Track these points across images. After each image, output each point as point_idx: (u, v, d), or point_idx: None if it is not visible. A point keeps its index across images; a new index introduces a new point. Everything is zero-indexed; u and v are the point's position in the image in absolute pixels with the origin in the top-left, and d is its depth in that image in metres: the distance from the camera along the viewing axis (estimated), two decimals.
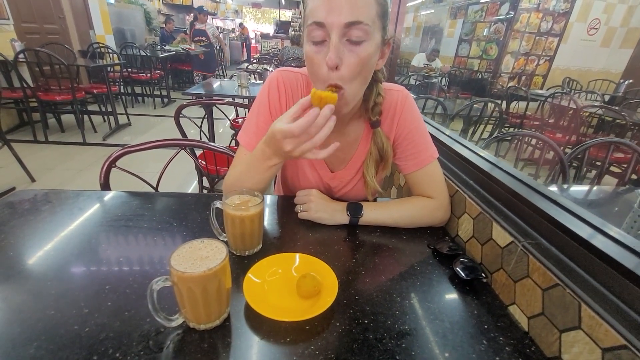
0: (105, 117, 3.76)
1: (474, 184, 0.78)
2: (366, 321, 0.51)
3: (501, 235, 0.61)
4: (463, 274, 0.61)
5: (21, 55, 2.83)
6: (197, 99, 1.72)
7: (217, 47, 6.37)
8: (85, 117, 3.59)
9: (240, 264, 0.61)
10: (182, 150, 1.02)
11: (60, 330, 0.45)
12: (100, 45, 4.26)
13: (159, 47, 5.73)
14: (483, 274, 0.61)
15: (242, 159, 0.75)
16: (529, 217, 0.60)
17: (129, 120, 3.94)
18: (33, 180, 2.34)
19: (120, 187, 0.85)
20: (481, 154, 0.86)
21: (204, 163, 1.74)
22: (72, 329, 0.45)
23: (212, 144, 1.02)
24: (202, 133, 1.74)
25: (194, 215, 0.76)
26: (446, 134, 1.06)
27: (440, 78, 5.20)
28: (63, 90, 3.06)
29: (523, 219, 0.61)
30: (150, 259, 0.60)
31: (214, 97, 2.31)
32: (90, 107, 3.75)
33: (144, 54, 4.72)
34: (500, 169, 0.77)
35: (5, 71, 3.11)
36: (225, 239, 0.64)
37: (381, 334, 0.49)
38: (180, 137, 1.66)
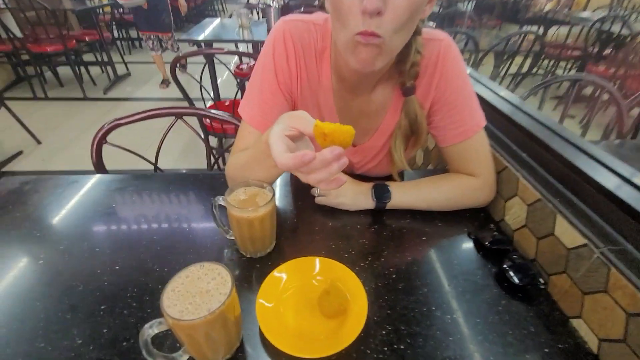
0: (103, 67, 3.54)
1: (530, 160, 0.64)
2: (402, 346, 0.43)
3: (569, 234, 0.49)
4: (516, 279, 0.51)
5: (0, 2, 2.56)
6: (194, 50, 1.52)
7: None
8: (83, 69, 3.39)
9: (251, 267, 0.53)
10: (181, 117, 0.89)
11: None
12: None
13: None
14: (541, 279, 0.51)
15: (245, 141, 0.62)
16: (611, 212, 0.48)
17: (127, 69, 3.70)
18: (39, 142, 2.28)
19: (116, 163, 0.76)
20: (536, 117, 0.70)
21: (209, 121, 1.60)
22: None
23: (212, 111, 0.88)
24: (202, 88, 1.57)
25: (201, 199, 0.66)
26: (489, 88, 0.88)
27: (467, 3, 4.55)
28: (53, 40, 2.83)
29: (602, 215, 0.49)
30: (150, 267, 0.53)
31: (213, 45, 2.07)
32: (86, 58, 3.51)
33: None
34: (564, 138, 0.62)
35: None
36: (233, 237, 0.55)
37: None
38: (179, 94, 1.52)
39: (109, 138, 0.83)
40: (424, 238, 0.61)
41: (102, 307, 0.46)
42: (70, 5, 3.23)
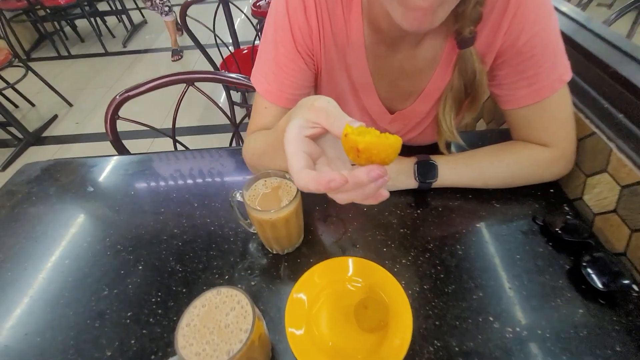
0: (119, 16, 3.39)
1: (631, 126, 0.48)
2: None
3: None
4: (598, 281, 0.41)
5: None
6: None
7: None
8: (100, 20, 3.27)
9: (277, 263, 0.48)
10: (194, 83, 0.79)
11: None
12: None
13: None
14: (635, 286, 0.41)
15: (262, 118, 0.52)
16: None
17: (143, 16, 3.52)
18: (70, 104, 2.31)
19: (134, 134, 0.70)
20: None
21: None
22: None
23: (226, 74, 0.77)
24: (216, 37, 1.42)
25: (222, 184, 0.61)
26: (569, 17, 0.66)
27: None
28: None
29: None
30: (172, 267, 0.49)
31: None
32: (101, 7, 3.35)
33: None
34: None
35: None
36: (256, 231, 0.50)
37: None
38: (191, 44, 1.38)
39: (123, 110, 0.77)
40: (478, 225, 0.51)
41: (129, 314, 0.44)
42: None
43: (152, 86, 0.74)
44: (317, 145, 0.30)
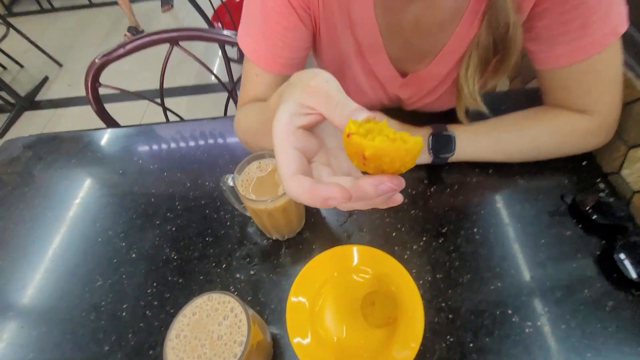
0: None
1: None
2: None
3: None
4: (633, 272, 0.37)
5: None
6: None
7: None
8: None
9: (277, 250, 0.45)
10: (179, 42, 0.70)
11: None
12: None
13: None
14: None
15: (254, 87, 0.45)
16: None
17: None
18: (60, 65, 2.19)
19: (122, 99, 0.65)
20: None
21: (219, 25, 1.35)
22: None
23: (213, 31, 0.67)
24: None
25: (216, 161, 0.56)
26: None
27: None
28: None
29: None
30: (167, 255, 0.46)
31: None
32: None
33: None
34: None
35: None
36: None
37: None
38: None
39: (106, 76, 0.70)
40: (498, 205, 0.46)
41: (124, 306, 0.42)
42: None
43: (131, 48, 0.66)
44: (313, 137, 0.24)
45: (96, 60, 0.68)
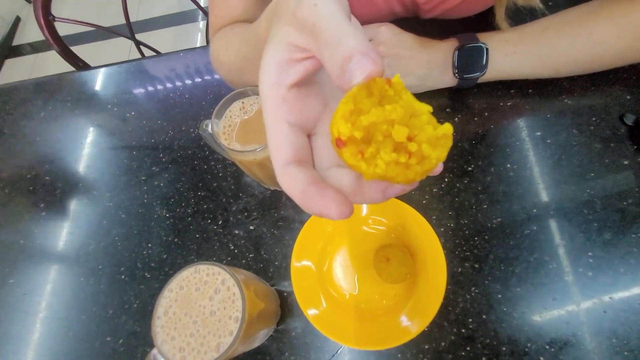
0: None
1: None
2: (494, 317, 0.31)
3: None
4: None
5: None
6: None
7: None
8: None
9: (279, 205, 0.40)
10: None
11: None
12: None
13: None
14: None
15: (227, 5, 0.35)
16: None
17: None
18: (29, 1, 1.95)
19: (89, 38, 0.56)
20: None
21: None
22: None
23: None
24: None
25: (204, 102, 0.48)
26: None
27: None
28: None
29: None
30: (158, 212, 0.42)
31: None
32: None
33: None
34: None
35: None
36: None
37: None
38: None
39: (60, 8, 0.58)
40: (538, 133, 0.38)
41: (122, 269, 0.40)
42: None
43: None
44: (313, 96, 0.16)
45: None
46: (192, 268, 0.26)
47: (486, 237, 0.34)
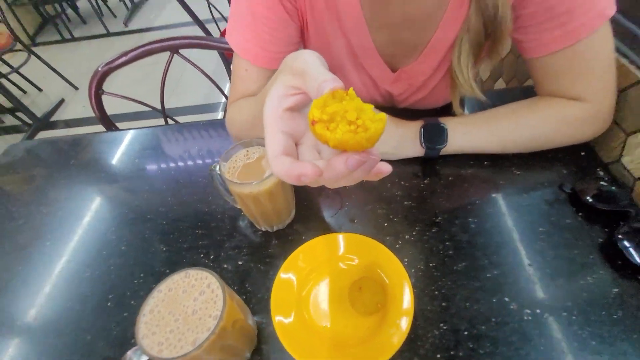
0: None
1: None
2: (461, 353, 0.32)
3: None
4: (638, 258, 0.35)
5: None
6: None
7: None
8: (100, 1, 3.19)
9: (267, 243, 0.44)
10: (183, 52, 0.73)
11: None
12: None
13: None
14: None
15: (244, 82, 0.47)
16: None
17: None
18: (76, 88, 2.30)
19: (124, 107, 0.66)
20: None
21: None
22: None
23: (214, 39, 0.70)
24: (210, 6, 1.33)
25: (211, 156, 0.56)
26: None
27: None
28: None
29: None
30: (156, 247, 0.46)
31: None
32: None
33: None
34: None
35: None
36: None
37: None
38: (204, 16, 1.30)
39: (111, 83, 0.72)
40: (495, 195, 0.45)
41: (110, 296, 0.41)
42: None
43: (133, 55, 0.69)
44: (301, 119, 0.24)
45: (99, 69, 0.71)
46: (182, 272, 0.30)
47: (453, 278, 0.38)
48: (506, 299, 0.35)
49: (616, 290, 0.35)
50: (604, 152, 0.47)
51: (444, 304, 0.36)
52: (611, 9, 0.38)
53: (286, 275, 0.37)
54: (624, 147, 0.44)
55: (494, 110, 0.48)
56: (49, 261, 0.46)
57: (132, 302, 0.41)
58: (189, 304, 0.28)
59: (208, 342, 0.26)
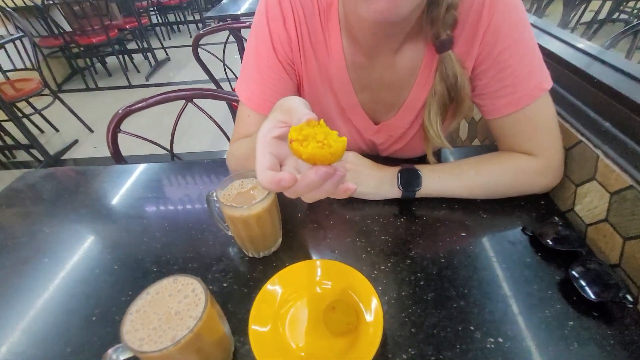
0: (144, 54, 3.67)
1: (616, 132, 0.47)
2: None
3: None
4: (590, 292, 0.38)
5: None
6: (214, 26, 1.45)
7: None
8: (127, 58, 3.54)
9: (252, 268, 0.47)
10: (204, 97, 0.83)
11: None
12: None
13: None
14: (629, 296, 0.37)
15: (245, 126, 0.54)
16: None
17: (167, 54, 3.80)
18: (91, 131, 2.45)
19: (138, 149, 0.73)
20: (626, 70, 0.52)
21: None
22: None
23: (226, 91, 0.81)
24: (226, 67, 1.51)
25: (209, 189, 0.61)
26: (554, 36, 0.68)
27: None
28: (97, 31, 2.96)
29: None
30: (148, 267, 0.49)
31: (240, 19, 1.98)
32: (130, 46, 3.66)
33: None
34: None
35: (42, 17, 3.06)
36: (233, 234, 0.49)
37: None
38: (203, 74, 1.47)
39: (127, 127, 0.81)
40: (463, 234, 0.49)
41: (96, 311, 0.43)
42: None
43: (152, 102, 0.78)
44: (286, 147, 0.30)
45: (119, 111, 0.80)
46: (171, 278, 0.33)
47: (422, 307, 0.40)
48: (471, 328, 0.38)
49: (572, 323, 0.37)
50: (560, 201, 0.52)
51: (412, 330, 0.38)
52: (548, 83, 0.47)
53: (273, 287, 0.40)
54: (575, 196, 0.50)
55: (463, 160, 0.55)
56: (43, 276, 0.49)
57: (116, 317, 0.42)
58: (173, 305, 0.31)
59: (185, 340, 0.28)
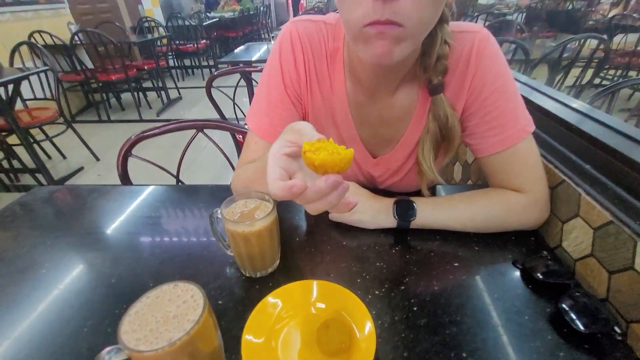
0: (158, 92, 3.88)
1: (596, 173, 0.51)
2: None
3: None
4: (580, 324, 0.39)
5: (76, 38, 2.96)
6: (228, 68, 1.57)
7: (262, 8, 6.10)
8: (142, 94, 3.74)
9: (248, 287, 0.47)
10: (215, 130, 0.89)
11: None
12: (148, 19, 4.30)
13: (204, 14, 5.65)
14: (617, 328, 0.38)
15: (252, 153, 0.58)
16: None
17: (179, 94, 4.02)
18: (98, 159, 2.51)
19: (146, 177, 0.76)
20: (603, 120, 0.57)
21: (240, 137, 1.62)
22: None
23: (234, 123, 0.86)
24: (236, 106, 1.61)
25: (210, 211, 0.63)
26: (541, 91, 0.75)
27: (516, 15, 4.28)
28: (118, 69, 3.17)
29: None
30: (145, 282, 0.49)
31: (252, 64, 2.14)
32: (146, 85, 3.89)
33: (190, 24, 4.68)
34: None
35: (68, 55, 3.30)
36: (233, 254, 0.50)
37: None
38: (214, 112, 1.57)
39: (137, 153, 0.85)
40: (456, 264, 0.51)
41: (89, 322, 0.43)
42: (133, 39, 3.63)
43: (165, 129, 0.84)
44: (294, 163, 0.34)
45: (132, 137, 0.85)
46: (172, 284, 0.34)
47: (415, 332, 0.40)
48: (463, 354, 0.38)
49: (562, 354, 0.37)
50: (549, 237, 0.54)
51: (405, 354, 0.38)
52: (531, 127, 0.52)
53: (274, 299, 0.41)
54: (562, 233, 0.52)
55: (456, 194, 0.58)
56: (40, 286, 0.49)
57: (108, 329, 0.42)
58: (171, 309, 0.32)
59: (181, 341, 0.29)
